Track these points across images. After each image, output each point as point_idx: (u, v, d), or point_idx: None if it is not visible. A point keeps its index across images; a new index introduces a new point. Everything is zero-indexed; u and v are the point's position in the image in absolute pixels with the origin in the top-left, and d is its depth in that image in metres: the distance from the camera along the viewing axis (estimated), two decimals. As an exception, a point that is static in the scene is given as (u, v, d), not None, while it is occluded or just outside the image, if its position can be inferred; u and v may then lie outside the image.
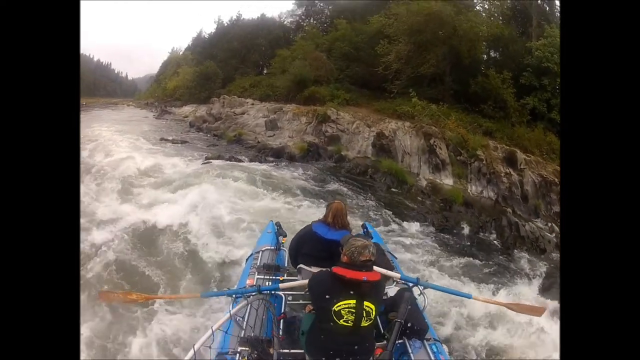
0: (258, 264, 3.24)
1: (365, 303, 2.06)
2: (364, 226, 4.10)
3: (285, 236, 3.79)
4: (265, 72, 29.08)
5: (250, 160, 11.15)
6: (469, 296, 3.09)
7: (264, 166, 10.35)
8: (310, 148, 12.17)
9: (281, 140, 13.25)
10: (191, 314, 3.67)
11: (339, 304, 2.03)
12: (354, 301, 2.03)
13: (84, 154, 10.25)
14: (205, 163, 10.20)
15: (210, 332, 2.11)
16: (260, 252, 3.49)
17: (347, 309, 2.03)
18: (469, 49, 13.65)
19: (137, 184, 7.87)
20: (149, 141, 14.12)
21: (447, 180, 9.90)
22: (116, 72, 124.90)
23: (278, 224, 4.03)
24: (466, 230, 7.16)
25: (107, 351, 3.24)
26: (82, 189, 6.76)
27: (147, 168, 9.12)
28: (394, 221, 6.96)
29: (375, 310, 2.10)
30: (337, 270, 2.07)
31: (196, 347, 1.99)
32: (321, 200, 7.28)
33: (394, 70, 14.69)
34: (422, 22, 13.42)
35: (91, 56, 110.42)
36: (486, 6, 15.81)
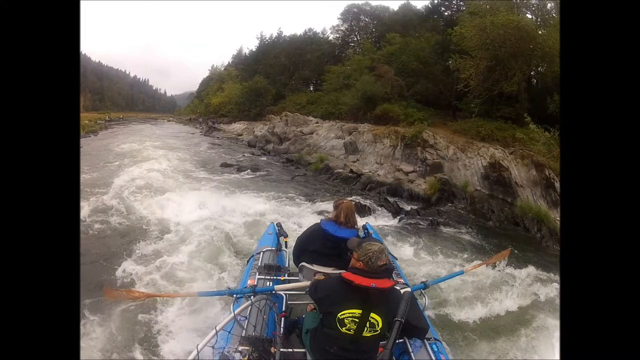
0: (259, 264, 3.31)
1: (372, 314, 1.96)
2: (364, 227, 4.11)
3: (286, 236, 3.83)
4: (311, 88, 29.01)
5: (380, 205, 8.51)
6: (461, 272, 3.57)
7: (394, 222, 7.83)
8: (444, 186, 9.75)
9: (369, 167, 11.90)
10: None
11: (343, 312, 1.97)
12: (360, 311, 1.95)
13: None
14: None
15: (213, 332, 2.10)
16: (262, 252, 3.56)
17: (350, 318, 1.96)
18: (546, 65, 12.94)
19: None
20: (210, 172, 11.99)
21: (564, 219, 9.04)
22: (154, 88, 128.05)
23: (279, 225, 4.09)
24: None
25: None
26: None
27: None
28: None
29: (382, 323, 1.98)
30: (346, 275, 1.99)
31: (199, 347, 1.98)
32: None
33: (472, 87, 14.10)
34: (503, 35, 12.76)
35: (127, 72, 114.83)
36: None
